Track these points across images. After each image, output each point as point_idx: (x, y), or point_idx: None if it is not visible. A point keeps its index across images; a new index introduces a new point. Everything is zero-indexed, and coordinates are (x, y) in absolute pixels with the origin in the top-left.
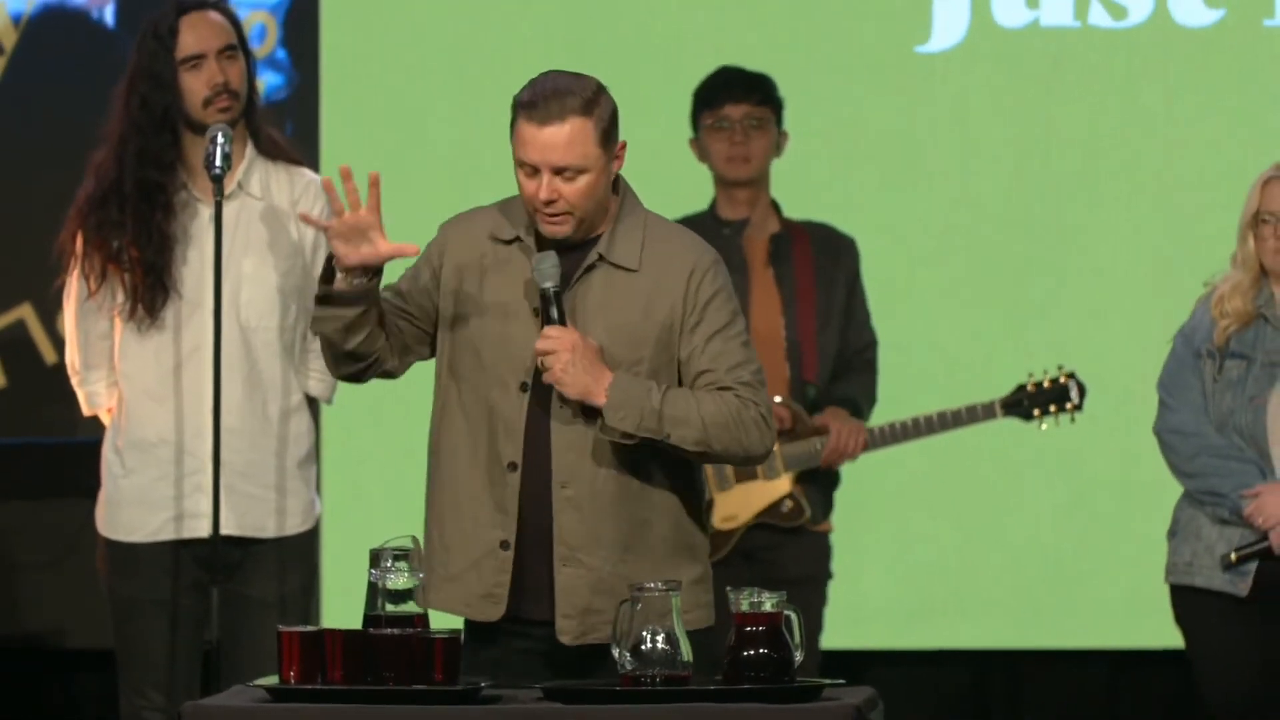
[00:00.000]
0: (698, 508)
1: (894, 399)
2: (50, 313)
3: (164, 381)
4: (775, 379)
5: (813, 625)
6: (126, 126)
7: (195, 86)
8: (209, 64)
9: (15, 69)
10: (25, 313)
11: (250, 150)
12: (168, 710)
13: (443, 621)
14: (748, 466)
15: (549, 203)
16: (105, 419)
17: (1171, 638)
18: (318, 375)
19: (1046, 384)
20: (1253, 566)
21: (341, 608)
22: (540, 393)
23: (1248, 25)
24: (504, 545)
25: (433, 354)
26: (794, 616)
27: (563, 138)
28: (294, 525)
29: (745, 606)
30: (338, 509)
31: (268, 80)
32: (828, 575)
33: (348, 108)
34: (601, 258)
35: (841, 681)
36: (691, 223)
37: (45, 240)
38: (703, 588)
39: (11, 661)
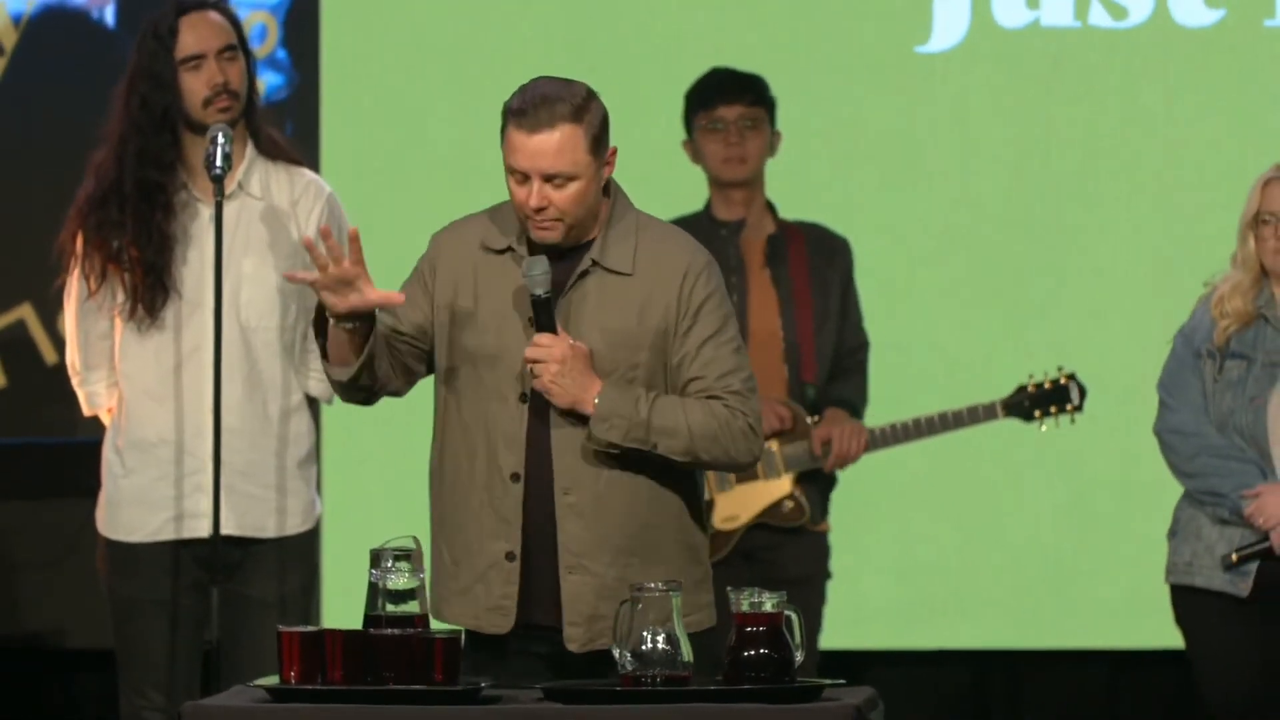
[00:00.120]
0: (699, 509)
1: (894, 399)
2: (50, 313)
3: (164, 381)
4: (774, 379)
5: (812, 625)
6: (126, 126)
7: (195, 86)
8: (209, 64)
9: (15, 69)
10: (25, 313)
11: (250, 150)
12: (168, 710)
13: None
14: (733, 473)
15: (539, 210)
16: (105, 419)
17: (1171, 638)
18: (318, 375)
19: (1047, 385)
20: (1253, 567)
21: (341, 608)
22: (539, 403)
23: (1248, 25)
24: (510, 556)
25: (431, 370)
26: (794, 617)
27: (552, 145)
28: (294, 525)
29: (745, 607)
30: (338, 509)
31: (268, 80)
32: (827, 575)
33: (348, 108)
34: (595, 263)
35: (841, 681)
36: (687, 223)
37: (45, 240)
38: (704, 589)
39: (11, 661)
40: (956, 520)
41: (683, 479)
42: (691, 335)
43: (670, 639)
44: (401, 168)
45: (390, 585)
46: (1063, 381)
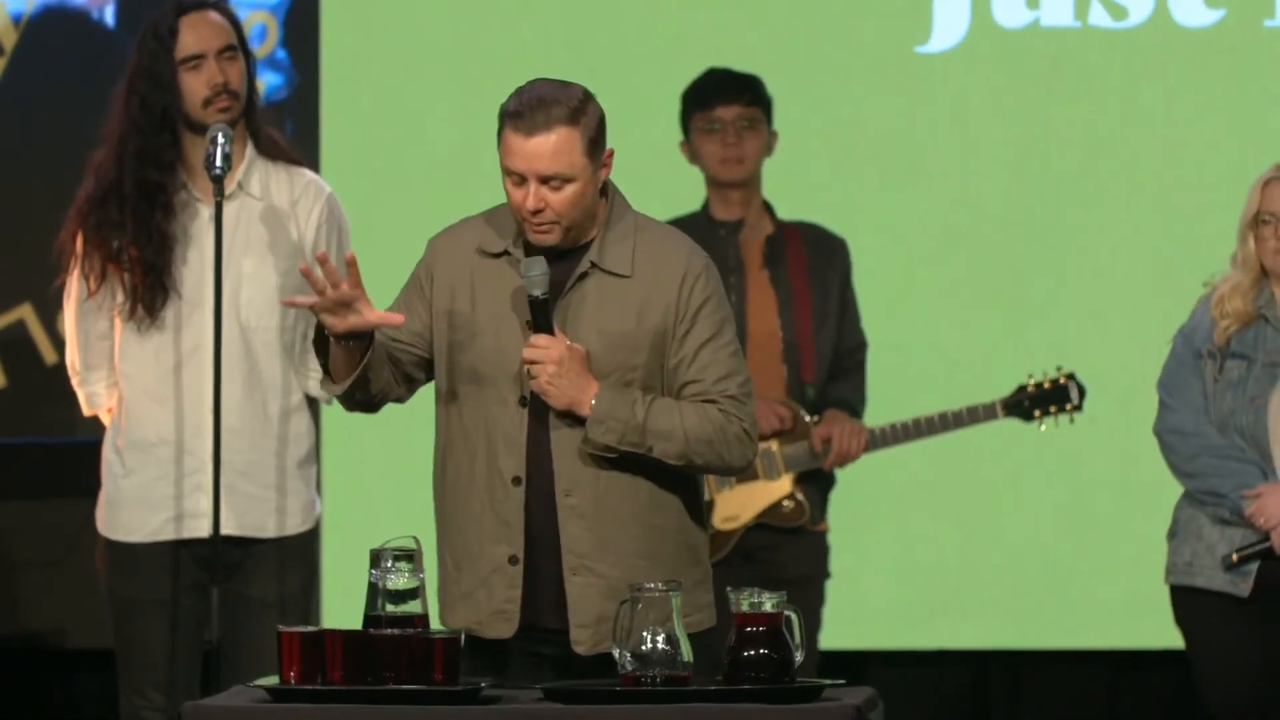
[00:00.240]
0: (699, 509)
1: (894, 399)
2: (50, 313)
3: (164, 381)
4: (773, 380)
5: (812, 625)
6: (126, 126)
7: (195, 87)
8: (209, 64)
9: (15, 69)
10: (25, 313)
11: (250, 150)
12: (168, 710)
13: None
14: (726, 476)
15: (536, 212)
16: (105, 419)
17: (1171, 638)
18: (317, 375)
19: (1046, 385)
20: (1254, 567)
21: (341, 608)
22: (539, 405)
23: (1248, 25)
24: (512, 560)
25: (432, 377)
26: (794, 617)
27: (549, 147)
28: (294, 525)
29: (745, 607)
30: (338, 509)
31: (268, 80)
32: (826, 575)
33: (348, 108)
34: (594, 265)
35: (841, 682)
36: (685, 224)
37: (45, 240)
38: (704, 589)
39: (11, 661)
40: (956, 520)
41: (683, 479)
42: (689, 338)
43: (670, 639)
44: (401, 168)
45: (390, 585)
46: (1062, 381)
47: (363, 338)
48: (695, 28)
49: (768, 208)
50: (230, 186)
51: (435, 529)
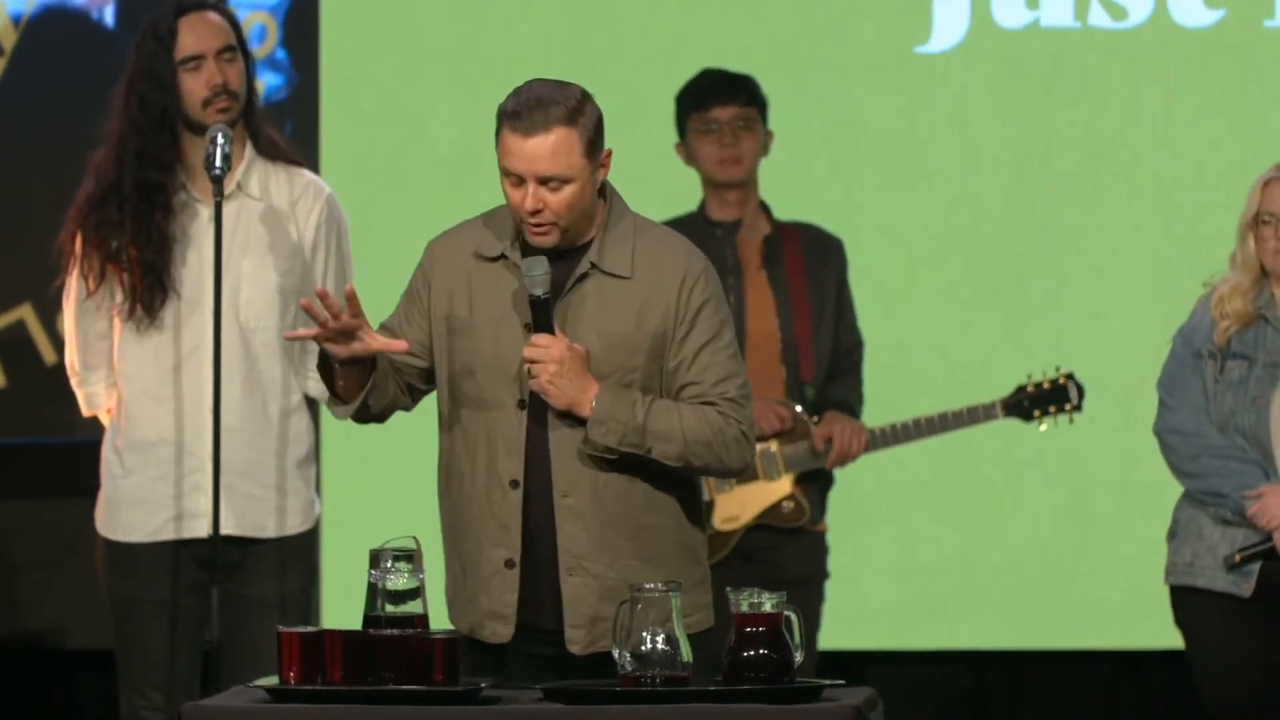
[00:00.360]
0: (698, 510)
1: (894, 399)
2: (50, 313)
3: (163, 381)
4: (772, 380)
5: (811, 625)
6: (126, 127)
7: (194, 87)
8: (208, 64)
9: (15, 69)
10: (25, 313)
11: (249, 151)
12: (168, 710)
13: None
14: (724, 479)
15: (535, 212)
16: (104, 419)
17: (1171, 638)
18: (316, 376)
19: (1046, 385)
20: (1256, 567)
21: (341, 608)
22: (538, 408)
23: (1248, 25)
24: (509, 564)
25: (434, 384)
26: (794, 617)
27: (547, 148)
28: (294, 525)
29: (745, 607)
30: (338, 509)
31: (268, 80)
32: (825, 575)
33: (348, 108)
34: (594, 266)
35: (841, 682)
36: (682, 224)
37: (45, 240)
38: (703, 589)
39: (11, 661)
40: (956, 520)
41: (681, 481)
42: (688, 341)
43: (670, 639)
44: (401, 168)
45: (390, 586)
46: (1061, 381)
47: (366, 359)
48: (695, 28)
49: (764, 208)
50: (229, 187)
51: (441, 532)
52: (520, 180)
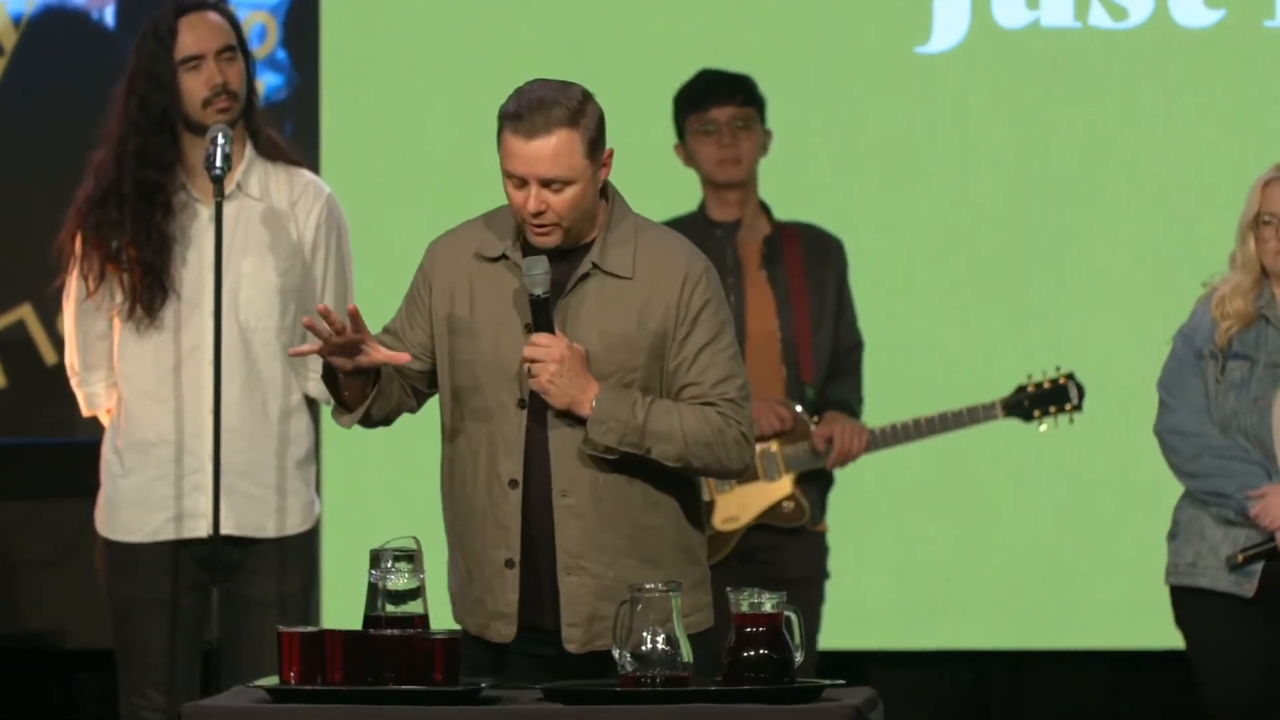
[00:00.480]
0: (697, 510)
1: (894, 400)
2: (50, 313)
3: (163, 381)
4: (772, 380)
5: (811, 625)
6: (126, 127)
7: (194, 87)
8: (208, 65)
9: (15, 69)
10: (25, 313)
11: (249, 151)
12: (168, 710)
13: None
14: (723, 479)
15: (537, 214)
16: (104, 419)
17: (1171, 638)
18: (316, 376)
19: (1046, 385)
20: (1258, 567)
21: (341, 608)
22: (538, 408)
23: (1248, 26)
24: (509, 564)
25: (436, 385)
26: (794, 617)
27: (549, 150)
28: (294, 525)
29: (745, 607)
30: (338, 509)
31: (268, 81)
32: (825, 575)
33: (348, 108)
34: (595, 266)
35: (841, 682)
36: (682, 224)
37: (45, 240)
38: (702, 589)
39: (11, 661)
40: (956, 520)
41: (680, 481)
42: (689, 341)
43: (670, 640)
44: (401, 168)
45: (390, 586)
46: (1061, 381)
47: (370, 370)
48: (695, 28)
49: (764, 208)
50: (229, 187)
51: (445, 533)
52: (522, 182)
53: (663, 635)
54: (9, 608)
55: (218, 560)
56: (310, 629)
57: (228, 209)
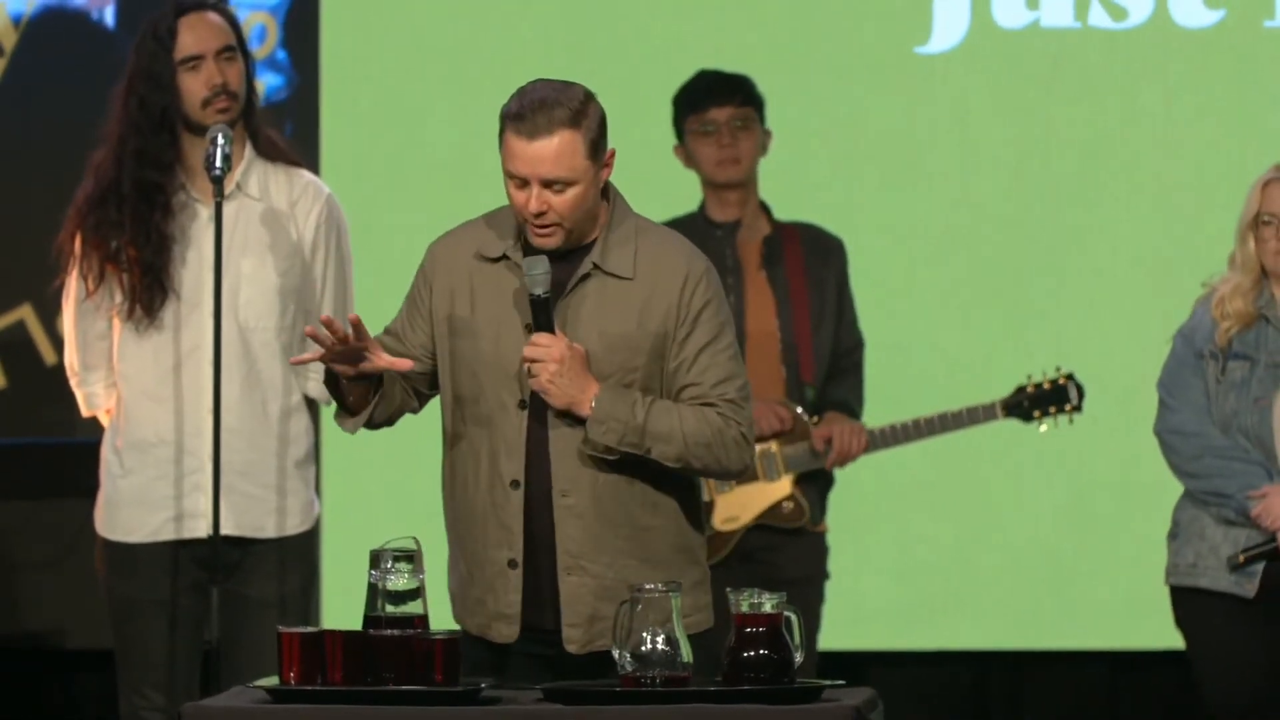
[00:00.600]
0: (697, 511)
1: (894, 400)
2: (50, 313)
3: (163, 382)
4: (773, 380)
5: (811, 625)
6: (125, 127)
7: (194, 87)
8: (207, 65)
9: (15, 69)
10: (25, 313)
11: (249, 151)
12: (168, 710)
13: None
14: (723, 480)
15: (539, 214)
16: (104, 420)
17: (1171, 638)
18: (316, 377)
19: (1046, 385)
20: (1259, 567)
21: (341, 608)
22: (539, 408)
23: (1248, 26)
24: (511, 564)
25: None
26: (794, 618)
27: (551, 151)
28: (293, 525)
29: (745, 608)
30: (338, 509)
31: (268, 81)
32: (825, 575)
33: (348, 108)
34: (596, 266)
35: (841, 682)
36: (682, 225)
37: (45, 240)
38: (702, 590)
39: (11, 661)
40: (956, 520)
41: (680, 481)
42: (689, 342)
43: (670, 640)
44: (401, 168)
45: (390, 586)
46: (1061, 382)
47: (373, 376)
48: (694, 28)
49: (764, 208)
50: (229, 187)
51: (446, 533)
52: (524, 182)
53: (663, 635)
54: (9, 608)
55: (217, 560)
56: (310, 629)
57: (227, 209)
